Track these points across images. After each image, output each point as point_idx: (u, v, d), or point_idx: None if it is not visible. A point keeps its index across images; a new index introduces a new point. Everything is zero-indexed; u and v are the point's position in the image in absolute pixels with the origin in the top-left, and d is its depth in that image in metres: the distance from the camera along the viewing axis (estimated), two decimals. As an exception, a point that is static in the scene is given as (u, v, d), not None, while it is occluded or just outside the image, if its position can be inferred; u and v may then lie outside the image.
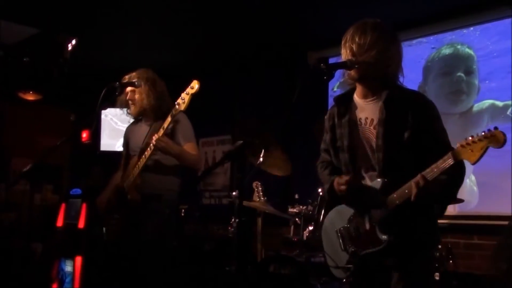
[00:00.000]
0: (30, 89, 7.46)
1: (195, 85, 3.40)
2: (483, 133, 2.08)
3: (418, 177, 2.26)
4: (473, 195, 4.81)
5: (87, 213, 6.16)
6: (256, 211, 5.17)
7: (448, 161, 2.17)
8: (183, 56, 6.82)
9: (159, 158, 3.76)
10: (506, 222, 4.65)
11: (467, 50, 5.16)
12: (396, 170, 2.39)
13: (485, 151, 2.07)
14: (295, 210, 4.31)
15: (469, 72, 5.11)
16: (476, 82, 5.06)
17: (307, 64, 6.20)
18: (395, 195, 2.36)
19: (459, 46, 5.22)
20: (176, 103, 3.46)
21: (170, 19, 5.76)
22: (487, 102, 4.94)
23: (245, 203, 4.80)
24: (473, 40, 5.14)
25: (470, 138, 2.11)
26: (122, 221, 3.83)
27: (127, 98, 3.87)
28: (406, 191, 2.32)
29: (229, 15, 5.61)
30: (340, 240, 2.63)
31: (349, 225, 2.59)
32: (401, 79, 2.57)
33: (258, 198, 4.89)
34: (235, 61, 6.82)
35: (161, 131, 3.53)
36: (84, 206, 6.18)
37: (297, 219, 4.51)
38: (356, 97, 2.60)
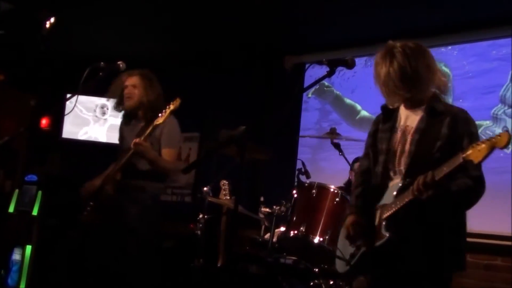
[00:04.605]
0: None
1: (176, 102, 3.57)
2: (494, 135, 2.14)
3: (428, 173, 2.28)
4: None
5: (42, 201, 5.98)
6: (221, 209, 5.12)
7: (456, 161, 2.20)
8: (157, 49, 6.72)
9: (135, 164, 3.78)
10: (471, 239, 4.74)
11: (444, 68, 5.25)
12: (418, 175, 2.36)
13: (490, 151, 2.11)
14: (267, 210, 4.26)
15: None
16: (450, 100, 5.14)
17: (283, 68, 6.21)
18: (405, 193, 2.39)
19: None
20: (159, 114, 3.59)
21: (145, 10, 5.67)
22: (459, 121, 5.03)
23: (213, 200, 4.74)
24: (450, 59, 5.25)
25: (482, 139, 2.16)
26: (97, 208, 3.77)
27: (126, 91, 3.87)
28: (410, 189, 2.36)
29: (207, 11, 5.56)
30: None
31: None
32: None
33: (225, 197, 4.84)
34: (209, 58, 6.76)
35: (142, 137, 3.60)
36: (39, 193, 6.01)
37: (265, 221, 4.48)
38: (403, 107, 2.66)
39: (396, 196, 2.47)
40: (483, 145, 2.12)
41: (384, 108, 2.75)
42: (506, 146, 2.08)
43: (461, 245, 2.51)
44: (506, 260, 4.61)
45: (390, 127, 2.65)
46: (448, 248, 2.45)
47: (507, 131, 2.12)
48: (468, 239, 4.65)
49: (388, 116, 2.70)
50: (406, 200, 2.37)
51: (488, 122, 4.86)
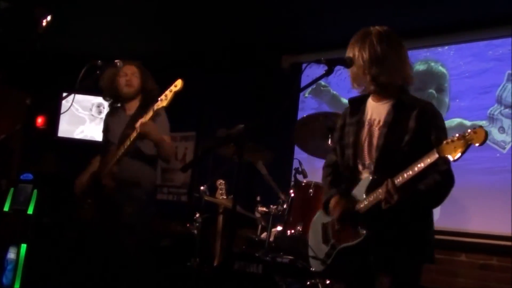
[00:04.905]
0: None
1: (178, 83, 3.49)
2: (468, 131, 2.12)
3: (388, 180, 2.31)
4: (435, 210, 4.80)
5: (37, 200, 5.96)
6: (217, 208, 5.12)
7: (432, 157, 2.21)
8: (153, 48, 6.70)
9: (142, 148, 3.83)
10: (466, 239, 4.77)
11: (440, 68, 5.28)
12: (388, 170, 2.40)
13: (467, 148, 2.11)
14: (264, 209, 4.26)
15: (440, 89, 5.23)
16: (447, 100, 5.18)
17: (281, 67, 6.21)
18: (380, 190, 2.38)
19: (432, 64, 5.34)
20: (159, 99, 3.53)
21: (142, 8, 5.65)
22: (456, 121, 5.06)
23: (210, 199, 4.74)
24: (447, 59, 5.27)
25: (456, 135, 2.15)
26: (95, 205, 3.82)
27: (126, 78, 3.92)
28: (380, 190, 2.37)
29: (204, 10, 5.54)
30: (323, 233, 2.70)
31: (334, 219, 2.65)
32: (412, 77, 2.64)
33: (221, 196, 4.85)
34: (206, 57, 6.75)
35: (147, 117, 3.58)
36: (34, 192, 5.99)
37: (262, 221, 4.48)
38: (371, 100, 2.67)
39: (366, 192, 2.47)
40: (459, 142, 2.12)
41: (351, 101, 2.75)
42: (483, 142, 2.07)
43: (430, 238, 2.54)
44: (501, 260, 4.62)
45: (357, 121, 2.65)
46: (418, 241, 2.48)
47: (481, 126, 2.10)
48: (464, 239, 4.75)
49: (355, 109, 2.70)
50: (379, 197, 2.37)
51: (484, 122, 4.86)
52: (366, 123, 2.61)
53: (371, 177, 2.49)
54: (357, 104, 2.70)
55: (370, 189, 2.46)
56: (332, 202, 2.63)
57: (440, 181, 2.39)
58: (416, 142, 2.41)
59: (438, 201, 2.50)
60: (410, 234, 2.44)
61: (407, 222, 2.42)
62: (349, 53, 2.58)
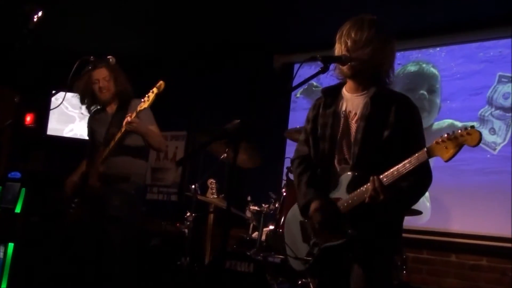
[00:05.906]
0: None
1: (160, 85, 3.55)
2: (459, 131, 2.08)
3: (374, 178, 2.27)
4: (426, 210, 4.89)
5: (25, 198, 5.90)
6: (208, 208, 5.11)
7: (421, 157, 2.17)
8: (144, 47, 6.68)
9: (128, 142, 3.83)
10: (456, 240, 4.79)
11: (432, 69, 5.30)
12: (369, 165, 2.37)
13: (459, 149, 2.07)
14: (256, 208, 4.25)
15: (432, 90, 5.25)
16: (438, 101, 5.19)
17: (272, 67, 6.20)
18: (363, 188, 2.34)
19: (424, 65, 5.36)
20: (142, 100, 3.60)
21: (133, 7, 5.63)
22: (447, 121, 5.08)
23: (202, 198, 4.72)
24: (438, 60, 5.29)
25: (446, 135, 2.11)
26: (83, 204, 3.84)
27: (100, 85, 3.89)
28: (363, 188, 2.33)
29: (196, 9, 5.53)
30: (302, 232, 2.61)
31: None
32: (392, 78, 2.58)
33: (212, 195, 4.83)
34: (197, 57, 6.72)
35: (134, 114, 3.61)
36: (22, 190, 5.92)
37: (253, 220, 4.47)
38: (345, 91, 2.60)
39: (348, 190, 2.42)
40: (450, 143, 2.08)
41: (325, 91, 2.67)
42: (477, 144, 2.04)
43: (400, 232, 2.53)
44: (491, 260, 4.64)
45: (333, 113, 2.56)
46: (391, 235, 2.47)
47: (473, 126, 2.07)
48: (454, 240, 4.76)
49: (329, 100, 2.61)
50: (364, 196, 2.32)
51: (475, 123, 4.87)
52: (342, 115, 2.54)
53: (351, 174, 2.43)
54: (331, 95, 2.62)
55: (351, 187, 2.41)
56: (313, 207, 2.50)
57: (421, 181, 2.37)
58: (396, 137, 2.38)
59: (417, 199, 2.48)
60: (384, 229, 2.42)
61: (384, 217, 2.40)
62: (339, 31, 2.54)
